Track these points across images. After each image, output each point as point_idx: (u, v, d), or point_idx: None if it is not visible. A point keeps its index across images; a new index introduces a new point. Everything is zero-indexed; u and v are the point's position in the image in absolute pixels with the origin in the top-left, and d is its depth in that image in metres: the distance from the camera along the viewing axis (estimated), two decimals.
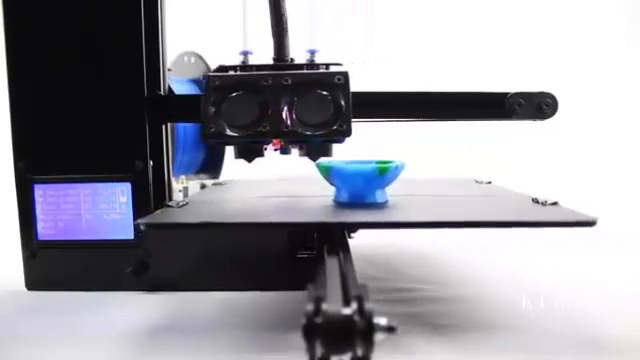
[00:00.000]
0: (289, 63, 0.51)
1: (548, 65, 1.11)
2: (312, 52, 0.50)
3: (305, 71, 0.50)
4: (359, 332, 0.28)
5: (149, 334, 0.45)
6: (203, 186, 0.69)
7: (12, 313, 0.51)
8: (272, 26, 0.50)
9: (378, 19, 1.13)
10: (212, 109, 0.48)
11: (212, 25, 1.06)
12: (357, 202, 0.50)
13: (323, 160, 0.52)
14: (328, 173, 0.51)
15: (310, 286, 0.33)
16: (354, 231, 0.59)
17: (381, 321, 0.28)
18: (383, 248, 0.72)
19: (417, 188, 0.60)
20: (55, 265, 0.55)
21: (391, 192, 0.52)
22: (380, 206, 0.50)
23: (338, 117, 0.47)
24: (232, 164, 0.79)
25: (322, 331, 0.28)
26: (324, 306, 0.28)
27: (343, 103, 0.47)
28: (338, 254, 0.40)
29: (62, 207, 0.55)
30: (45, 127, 0.54)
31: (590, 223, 0.40)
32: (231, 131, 0.48)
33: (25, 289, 0.56)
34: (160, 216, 0.46)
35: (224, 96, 0.48)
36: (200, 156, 0.74)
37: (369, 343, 0.28)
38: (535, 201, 0.50)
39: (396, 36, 1.13)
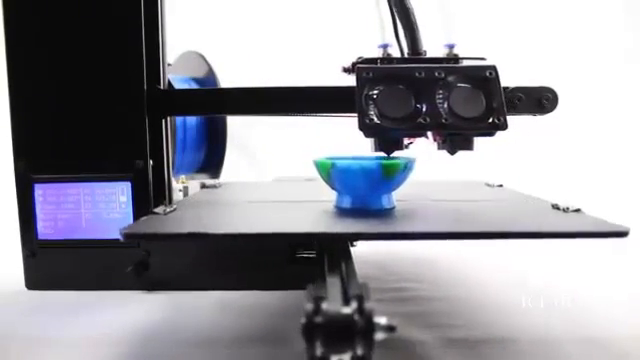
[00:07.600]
0: (428, 57, 0.51)
1: (547, 66, 1.11)
2: (450, 46, 0.50)
3: (457, 65, 0.49)
4: (359, 331, 0.28)
5: (149, 334, 0.45)
6: (203, 185, 0.69)
7: (12, 313, 0.51)
8: (401, 20, 0.50)
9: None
10: (366, 101, 0.46)
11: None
12: (361, 208, 0.46)
13: (322, 158, 0.48)
14: (328, 174, 0.46)
15: (310, 285, 0.33)
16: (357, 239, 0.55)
17: (381, 320, 0.28)
18: (382, 247, 0.72)
19: (426, 192, 0.56)
20: (55, 265, 0.55)
21: (397, 197, 0.48)
22: (387, 213, 0.45)
23: (491, 111, 0.46)
24: (232, 164, 0.79)
25: (322, 330, 0.28)
26: (324, 305, 0.28)
27: (496, 97, 0.46)
28: (339, 260, 0.39)
29: (62, 206, 0.55)
30: (45, 126, 0.54)
31: (622, 234, 0.37)
32: (386, 123, 0.46)
33: (25, 289, 0.56)
34: (143, 225, 0.41)
35: (377, 88, 0.46)
36: (200, 155, 0.74)
37: (369, 342, 0.28)
38: (555, 207, 0.46)
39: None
